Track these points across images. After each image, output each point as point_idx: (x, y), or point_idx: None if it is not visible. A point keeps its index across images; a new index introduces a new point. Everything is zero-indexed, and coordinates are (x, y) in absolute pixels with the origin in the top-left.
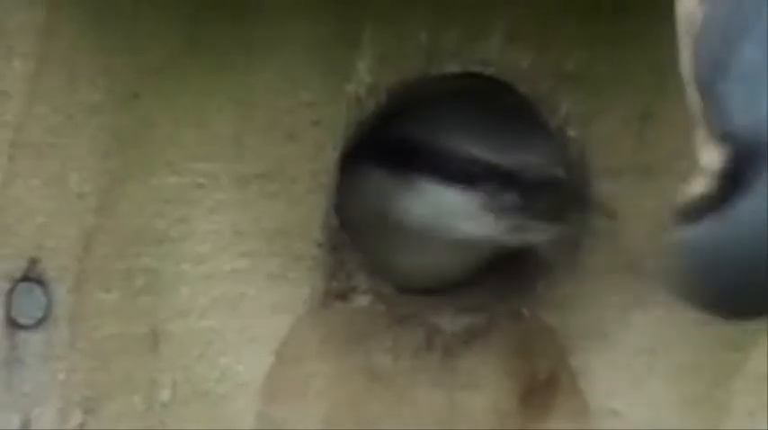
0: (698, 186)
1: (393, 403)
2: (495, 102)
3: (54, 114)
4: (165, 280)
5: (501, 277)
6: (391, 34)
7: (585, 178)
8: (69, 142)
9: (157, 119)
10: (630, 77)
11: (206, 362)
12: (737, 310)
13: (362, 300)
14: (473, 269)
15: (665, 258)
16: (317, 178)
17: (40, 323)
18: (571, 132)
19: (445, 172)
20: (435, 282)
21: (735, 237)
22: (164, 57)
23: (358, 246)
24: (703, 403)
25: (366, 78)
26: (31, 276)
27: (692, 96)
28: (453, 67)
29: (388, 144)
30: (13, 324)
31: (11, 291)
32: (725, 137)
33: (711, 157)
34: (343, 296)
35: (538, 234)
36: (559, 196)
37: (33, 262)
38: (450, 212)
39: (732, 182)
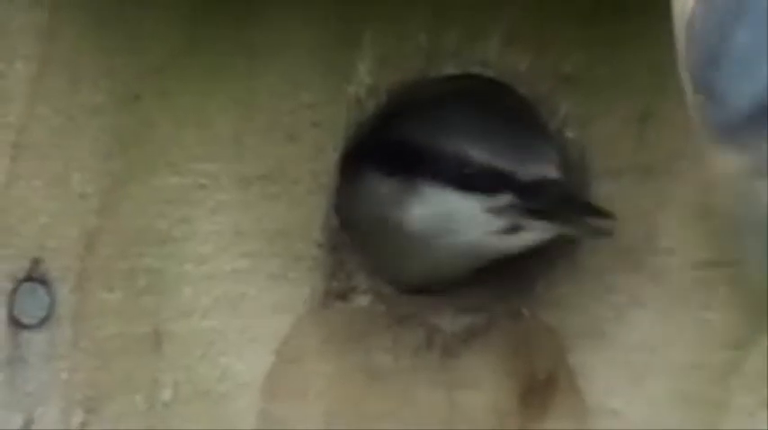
0: None
1: (393, 402)
2: (494, 103)
3: (56, 115)
4: (167, 280)
5: (501, 277)
6: (391, 36)
7: (585, 179)
8: (71, 143)
9: (159, 120)
10: (630, 78)
11: (207, 361)
12: None
13: (362, 300)
14: (473, 270)
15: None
16: (317, 179)
17: (42, 323)
18: (570, 133)
19: (445, 174)
20: (435, 282)
21: None
22: (165, 58)
23: (358, 247)
24: (702, 402)
25: (366, 80)
26: (34, 276)
27: (686, 86)
28: (453, 69)
29: (388, 146)
30: (17, 323)
31: (14, 291)
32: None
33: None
34: (343, 296)
35: (537, 235)
36: (559, 197)
37: (36, 262)
38: (450, 215)
39: None
